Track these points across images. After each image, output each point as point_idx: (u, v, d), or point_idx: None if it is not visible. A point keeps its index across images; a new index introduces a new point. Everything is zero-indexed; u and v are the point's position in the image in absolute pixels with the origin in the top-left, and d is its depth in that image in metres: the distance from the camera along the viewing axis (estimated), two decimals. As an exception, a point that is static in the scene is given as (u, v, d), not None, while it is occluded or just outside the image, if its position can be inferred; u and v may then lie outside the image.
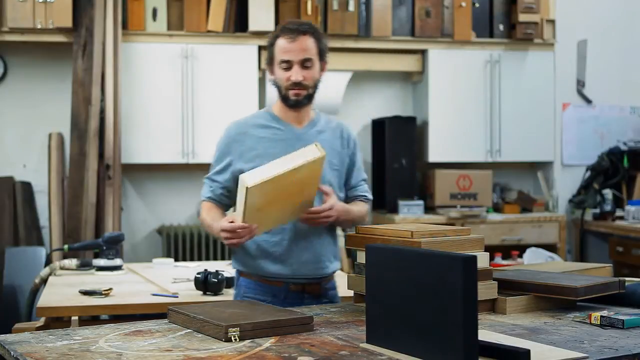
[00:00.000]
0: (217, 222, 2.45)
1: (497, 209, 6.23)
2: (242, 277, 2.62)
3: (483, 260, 2.17)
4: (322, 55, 2.55)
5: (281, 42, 2.50)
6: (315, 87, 2.56)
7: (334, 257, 2.64)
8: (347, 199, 2.67)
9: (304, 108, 2.58)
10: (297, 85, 2.50)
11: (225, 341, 1.87)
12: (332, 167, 2.58)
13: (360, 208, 2.64)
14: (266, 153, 2.50)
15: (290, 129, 2.57)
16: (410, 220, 5.67)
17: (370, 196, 2.73)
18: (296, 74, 2.49)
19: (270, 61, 2.55)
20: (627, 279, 2.38)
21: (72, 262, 3.86)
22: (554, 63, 6.24)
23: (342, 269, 5.40)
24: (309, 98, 2.55)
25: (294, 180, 2.29)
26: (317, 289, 2.59)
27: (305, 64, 2.50)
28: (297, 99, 2.52)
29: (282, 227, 2.51)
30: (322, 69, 2.58)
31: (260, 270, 2.55)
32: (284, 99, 2.55)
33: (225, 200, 2.62)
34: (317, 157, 2.29)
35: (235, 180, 2.50)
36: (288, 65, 2.49)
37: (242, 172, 2.41)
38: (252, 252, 2.55)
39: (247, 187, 2.20)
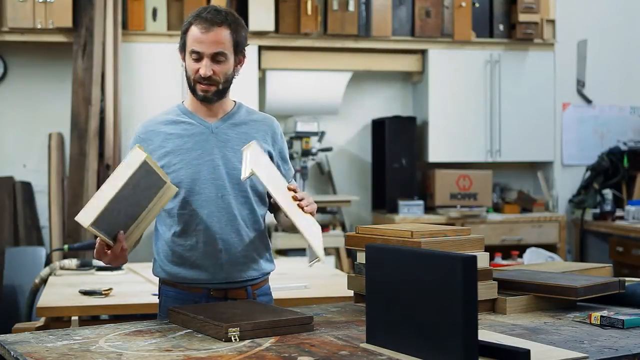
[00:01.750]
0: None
1: (497, 209, 6.23)
2: (162, 285, 2.41)
3: (483, 260, 2.17)
4: (238, 49, 2.36)
5: (194, 31, 2.31)
6: (227, 82, 2.36)
7: (262, 258, 2.41)
8: None
9: (216, 102, 2.39)
10: (206, 79, 2.30)
11: (225, 341, 1.87)
12: None
13: None
14: (178, 149, 2.33)
15: (201, 123, 2.37)
16: (410, 220, 5.67)
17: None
18: (205, 68, 2.29)
19: (182, 48, 2.36)
20: (627, 279, 2.38)
21: (72, 262, 3.86)
22: (554, 63, 6.24)
23: (342, 269, 5.41)
24: (219, 94, 2.35)
25: (132, 190, 2.06)
26: (243, 294, 2.36)
27: (217, 57, 2.30)
28: (205, 95, 2.32)
29: (195, 229, 2.32)
30: (239, 63, 2.39)
31: (177, 277, 2.33)
32: (193, 91, 2.35)
33: None
34: (142, 161, 2.03)
35: None
36: (198, 56, 2.30)
37: None
38: (168, 258, 2.36)
39: (87, 228, 2.00)
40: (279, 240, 5.30)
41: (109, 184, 2.01)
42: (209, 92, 2.33)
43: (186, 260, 2.33)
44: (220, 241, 2.32)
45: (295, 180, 2.59)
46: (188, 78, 2.35)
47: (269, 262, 2.45)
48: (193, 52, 2.31)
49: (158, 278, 2.44)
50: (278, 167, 2.41)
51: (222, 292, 2.35)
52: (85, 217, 1.99)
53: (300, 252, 5.10)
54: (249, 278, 2.38)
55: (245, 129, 2.40)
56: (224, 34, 2.32)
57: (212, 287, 2.34)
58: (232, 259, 2.34)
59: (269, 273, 2.47)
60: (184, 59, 2.37)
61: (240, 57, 2.40)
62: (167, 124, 2.38)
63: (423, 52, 6.05)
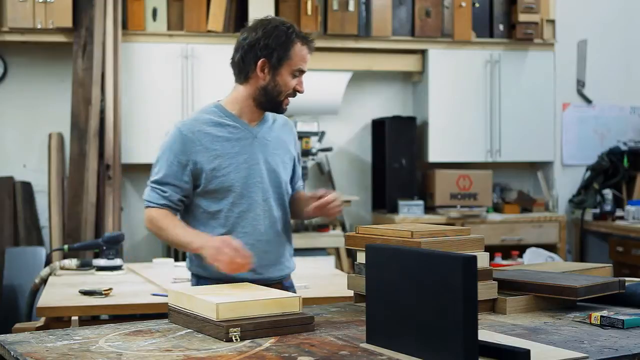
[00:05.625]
0: (197, 235, 2.33)
1: (497, 209, 6.23)
2: (201, 281, 2.47)
3: (483, 260, 2.17)
4: None
5: (302, 49, 2.39)
6: None
7: (290, 256, 2.58)
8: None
9: None
10: (295, 95, 2.43)
11: (225, 341, 1.87)
12: (284, 165, 2.51)
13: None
14: (226, 153, 2.39)
15: (245, 127, 2.44)
16: (410, 220, 5.67)
17: (302, 187, 2.68)
18: (303, 85, 2.42)
19: (279, 63, 2.37)
20: (627, 279, 2.39)
21: (72, 262, 3.85)
22: (554, 63, 6.24)
23: (342, 269, 5.41)
24: None
25: None
26: (280, 289, 2.42)
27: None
28: (286, 108, 2.46)
29: (242, 231, 2.40)
30: None
31: (221, 274, 2.33)
32: (276, 104, 2.42)
33: (181, 206, 2.43)
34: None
35: (195, 181, 2.39)
36: (299, 73, 2.41)
37: (204, 173, 2.34)
38: None
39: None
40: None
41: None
42: (288, 104, 2.46)
43: None
44: (264, 243, 2.45)
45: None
46: (278, 92, 2.39)
47: (292, 258, 2.62)
48: (298, 70, 2.40)
49: (191, 273, 2.52)
50: (295, 167, 2.57)
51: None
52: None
53: (300, 252, 5.10)
54: (285, 276, 2.56)
55: (277, 133, 2.52)
56: None
57: (255, 284, 2.39)
58: (273, 259, 2.48)
59: (293, 269, 2.63)
60: (268, 72, 2.38)
61: None
62: (212, 125, 2.42)
63: (423, 52, 6.05)
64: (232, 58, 2.45)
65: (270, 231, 2.46)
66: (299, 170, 2.61)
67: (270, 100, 2.42)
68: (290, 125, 2.59)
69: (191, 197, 2.43)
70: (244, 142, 2.43)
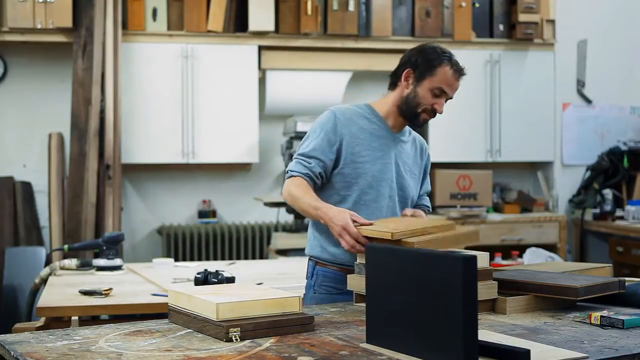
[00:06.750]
0: (329, 207, 2.41)
1: (497, 209, 6.23)
2: (318, 267, 2.61)
3: (483, 260, 2.17)
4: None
5: (448, 72, 2.52)
6: None
7: None
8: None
9: None
10: (433, 114, 2.55)
11: (225, 341, 1.87)
12: (412, 175, 2.67)
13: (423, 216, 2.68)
14: (367, 144, 2.55)
15: (387, 130, 2.61)
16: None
17: (430, 208, 2.81)
18: (442, 107, 2.54)
19: (422, 75, 2.53)
20: (627, 279, 2.38)
21: (72, 262, 3.85)
22: (554, 63, 6.25)
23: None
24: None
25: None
26: None
27: (448, 100, 2.56)
28: (423, 123, 2.60)
29: (366, 219, 2.46)
30: None
31: (336, 256, 2.53)
32: (413, 115, 2.56)
33: (318, 182, 2.55)
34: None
35: (337, 160, 2.53)
36: (440, 94, 2.52)
37: (344, 156, 2.51)
38: (332, 240, 2.49)
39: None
40: (279, 240, 5.30)
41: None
42: (426, 121, 2.59)
43: None
44: None
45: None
46: (416, 103, 2.53)
47: None
48: (439, 89, 2.52)
49: (308, 258, 2.67)
50: (421, 181, 2.76)
51: None
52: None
53: (300, 252, 5.10)
54: None
55: (411, 148, 2.70)
56: (459, 85, 2.59)
57: None
58: None
59: None
60: (413, 84, 2.54)
61: None
62: (361, 117, 2.61)
63: (423, 52, 6.04)
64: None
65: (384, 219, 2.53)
66: (426, 188, 2.79)
67: (409, 110, 2.56)
68: (420, 142, 2.74)
69: (329, 176, 2.55)
70: (384, 141, 2.57)
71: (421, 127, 2.65)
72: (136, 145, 5.57)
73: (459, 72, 2.54)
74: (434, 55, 2.52)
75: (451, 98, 2.57)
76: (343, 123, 2.57)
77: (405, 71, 2.55)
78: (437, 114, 2.56)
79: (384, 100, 2.63)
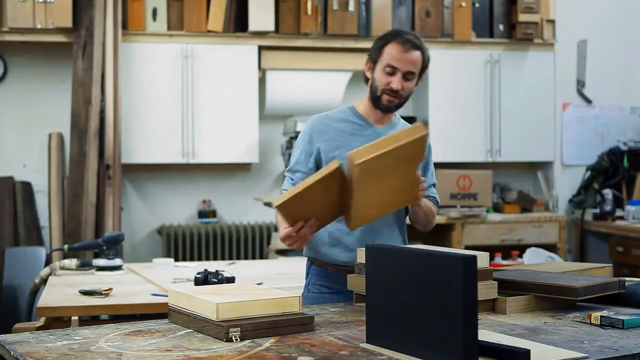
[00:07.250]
0: (281, 227, 2.46)
1: (497, 209, 6.23)
2: (312, 266, 2.67)
3: (483, 260, 2.17)
4: (422, 72, 2.60)
5: (394, 48, 2.53)
6: (407, 98, 2.60)
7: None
8: None
9: (392, 112, 2.66)
10: (394, 93, 2.54)
11: (225, 341, 1.87)
12: None
13: (431, 206, 2.66)
14: (347, 145, 2.54)
15: (370, 126, 2.63)
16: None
17: (439, 200, 2.75)
18: (397, 83, 2.53)
19: (374, 60, 2.58)
20: (627, 279, 2.38)
21: (72, 262, 3.85)
22: (554, 63, 6.24)
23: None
24: (398, 106, 2.61)
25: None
26: None
27: (407, 75, 2.54)
28: (389, 105, 2.57)
29: None
30: (417, 83, 2.62)
31: (331, 258, 2.58)
32: (376, 100, 2.58)
33: None
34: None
35: (318, 169, 2.54)
36: (392, 71, 2.53)
37: (324, 161, 2.52)
38: (325, 240, 2.58)
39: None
40: (279, 240, 5.30)
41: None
42: (392, 103, 2.57)
43: (341, 242, 2.57)
44: (375, 229, 2.56)
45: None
46: (375, 87, 2.57)
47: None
48: (389, 66, 2.53)
49: (306, 259, 2.72)
50: (423, 173, 2.65)
51: None
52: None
53: (299, 252, 5.11)
54: None
55: None
56: (418, 56, 2.54)
57: None
58: None
59: None
60: (371, 69, 2.60)
61: (420, 79, 2.62)
62: (341, 121, 2.64)
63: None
64: None
65: (379, 222, 2.53)
66: (430, 181, 2.71)
67: (372, 96, 2.59)
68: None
69: None
70: (366, 138, 2.54)
71: (391, 111, 2.62)
72: (136, 145, 5.57)
73: (407, 43, 2.52)
74: (380, 40, 2.58)
75: (413, 73, 2.54)
76: (319, 130, 2.61)
77: (365, 64, 2.62)
78: (401, 93, 2.53)
79: (363, 98, 2.67)
